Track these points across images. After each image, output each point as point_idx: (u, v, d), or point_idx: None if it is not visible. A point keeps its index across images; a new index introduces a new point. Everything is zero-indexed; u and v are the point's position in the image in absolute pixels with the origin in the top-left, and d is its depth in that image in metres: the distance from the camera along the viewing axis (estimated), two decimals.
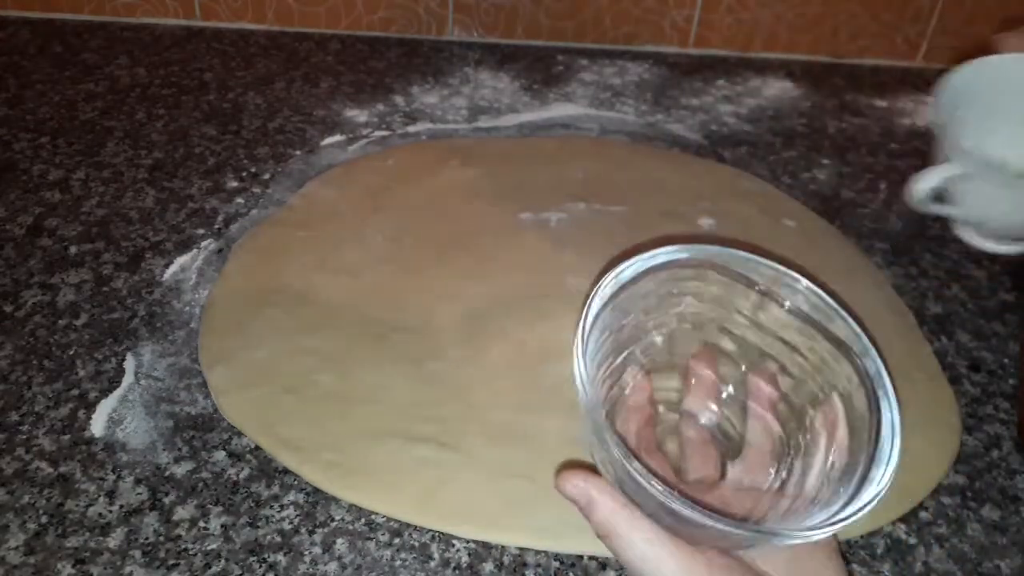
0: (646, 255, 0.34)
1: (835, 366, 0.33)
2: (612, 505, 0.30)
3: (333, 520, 0.41)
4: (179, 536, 0.39)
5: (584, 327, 0.32)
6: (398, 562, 0.39)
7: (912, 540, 0.42)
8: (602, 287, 0.33)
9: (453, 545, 0.40)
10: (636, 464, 0.27)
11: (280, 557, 0.39)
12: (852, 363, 0.32)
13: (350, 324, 0.51)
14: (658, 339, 0.37)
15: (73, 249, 0.56)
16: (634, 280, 0.34)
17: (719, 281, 0.35)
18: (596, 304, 0.32)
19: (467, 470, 0.42)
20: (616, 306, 0.33)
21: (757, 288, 0.35)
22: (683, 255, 0.34)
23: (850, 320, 0.33)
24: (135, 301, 0.52)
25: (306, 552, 0.39)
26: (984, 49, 0.56)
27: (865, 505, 0.28)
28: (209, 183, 0.63)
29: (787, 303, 0.35)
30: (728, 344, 0.37)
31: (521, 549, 0.40)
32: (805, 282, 0.34)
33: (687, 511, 0.27)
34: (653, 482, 0.27)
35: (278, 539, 0.39)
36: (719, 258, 0.35)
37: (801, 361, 0.35)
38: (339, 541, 0.40)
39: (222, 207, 0.61)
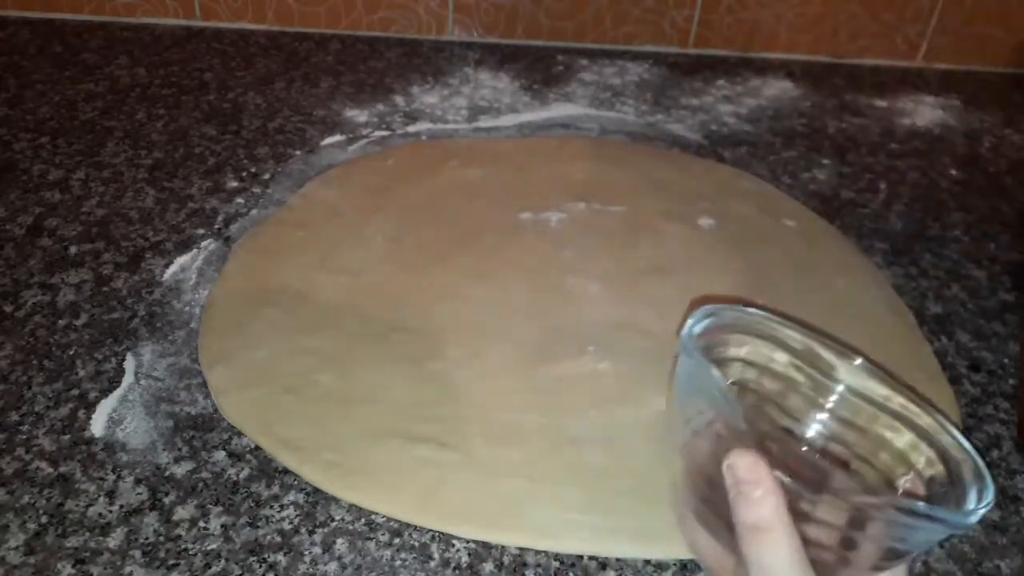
0: (736, 308, 0.35)
1: (901, 441, 0.34)
2: (781, 501, 0.28)
3: (333, 520, 0.41)
4: (179, 536, 0.39)
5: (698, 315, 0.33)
6: (398, 562, 0.39)
7: None
8: (701, 314, 0.34)
9: (453, 545, 0.40)
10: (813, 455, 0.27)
11: (280, 557, 0.39)
12: (924, 438, 0.33)
13: (350, 324, 0.51)
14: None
15: (73, 249, 0.56)
16: (722, 325, 0.34)
17: (777, 355, 0.36)
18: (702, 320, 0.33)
19: (467, 470, 0.42)
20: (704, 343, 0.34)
21: (819, 368, 0.36)
22: (770, 323, 0.35)
23: (911, 396, 0.34)
24: (135, 301, 0.52)
25: (306, 552, 0.39)
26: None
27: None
28: (209, 183, 0.63)
29: (844, 384, 0.36)
30: (789, 423, 0.37)
31: (521, 549, 0.40)
32: (860, 360, 0.35)
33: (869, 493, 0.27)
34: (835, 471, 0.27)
35: (278, 539, 0.39)
36: (776, 330, 0.36)
37: (866, 441, 0.35)
38: (339, 541, 0.40)
39: (222, 207, 0.61)
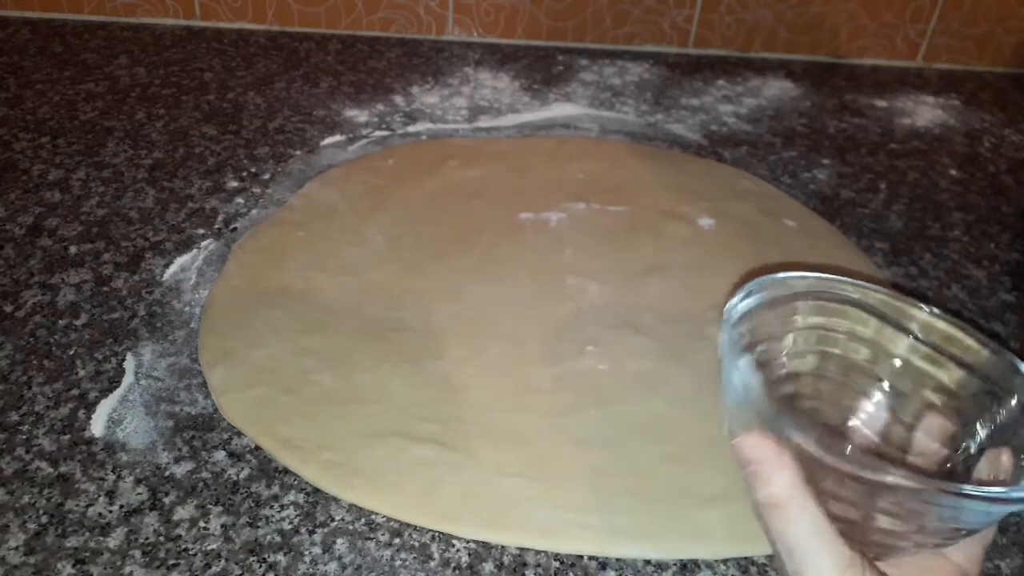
0: (802, 274, 0.34)
1: (987, 400, 0.33)
2: (794, 476, 0.28)
3: (333, 520, 0.41)
4: (179, 536, 0.39)
5: (736, 300, 0.32)
6: (398, 562, 0.39)
7: None
8: (755, 285, 0.33)
9: (453, 545, 0.40)
10: (822, 438, 0.27)
11: (280, 557, 0.39)
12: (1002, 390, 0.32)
13: (350, 324, 0.51)
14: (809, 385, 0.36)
15: (73, 249, 0.56)
16: (791, 295, 0.34)
17: (870, 322, 0.35)
18: (749, 297, 0.32)
19: (467, 470, 0.42)
20: (765, 315, 0.33)
21: (911, 332, 0.35)
22: (846, 289, 0.34)
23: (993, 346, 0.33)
24: (135, 301, 0.52)
25: (306, 552, 0.39)
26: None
27: None
28: (209, 183, 0.63)
29: (931, 341, 0.35)
30: (882, 395, 0.36)
31: (521, 549, 0.40)
32: (944, 320, 0.34)
33: (874, 470, 0.26)
34: (849, 447, 0.26)
35: (278, 539, 0.39)
36: (869, 296, 0.35)
37: (956, 401, 0.34)
38: (339, 541, 0.40)
39: (222, 207, 0.61)
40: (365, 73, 0.80)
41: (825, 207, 0.66)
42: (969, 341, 0.34)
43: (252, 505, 0.41)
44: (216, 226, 0.59)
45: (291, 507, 0.41)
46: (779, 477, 0.28)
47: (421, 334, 0.50)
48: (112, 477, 0.41)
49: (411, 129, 0.72)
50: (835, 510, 0.28)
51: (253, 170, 0.65)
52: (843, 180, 0.70)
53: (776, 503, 0.28)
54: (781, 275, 0.34)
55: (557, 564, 0.39)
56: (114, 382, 0.47)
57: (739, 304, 0.33)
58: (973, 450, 0.32)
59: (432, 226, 0.59)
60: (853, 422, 0.36)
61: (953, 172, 0.72)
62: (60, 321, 0.50)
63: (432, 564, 0.39)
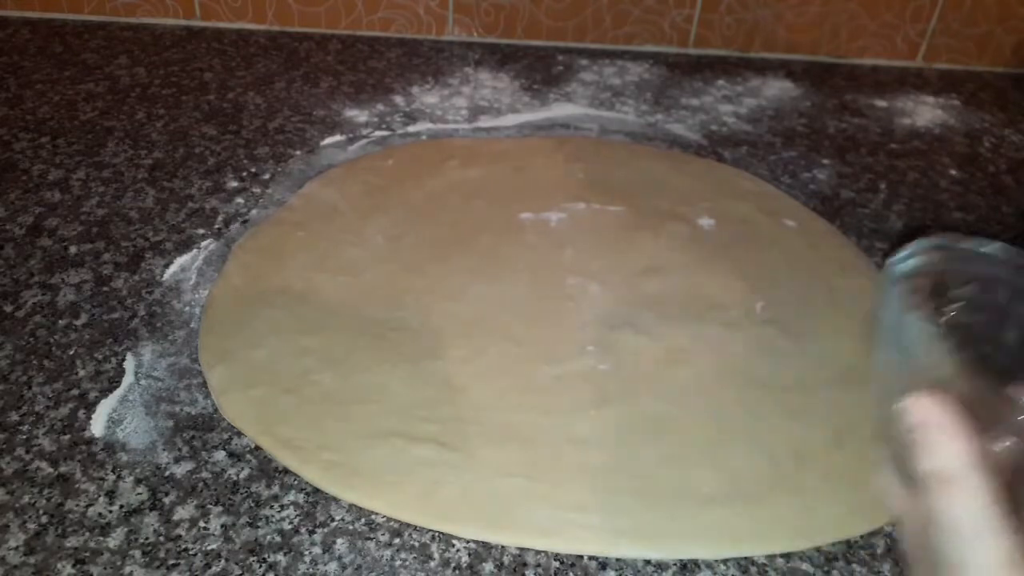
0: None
1: None
2: (968, 448, 0.25)
3: (333, 520, 0.41)
4: (179, 536, 0.39)
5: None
6: (398, 562, 0.39)
7: None
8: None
9: (453, 545, 0.40)
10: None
11: (280, 557, 0.39)
12: None
13: (350, 324, 0.51)
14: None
15: (73, 249, 0.56)
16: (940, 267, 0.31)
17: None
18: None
19: (467, 470, 0.42)
20: (919, 282, 0.30)
21: None
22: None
23: None
24: (135, 301, 0.52)
25: (306, 552, 0.39)
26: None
27: None
28: (209, 183, 0.63)
29: None
30: None
31: (521, 549, 0.40)
32: None
33: None
34: None
35: (278, 539, 0.39)
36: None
37: None
38: (339, 541, 0.40)
39: (222, 207, 0.61)
40: (365, 73, 0.80)
41: (825, 207, 0.66)
42: None
43: (252, 505, 0.41)
44: (216, 226, 0.59)
45: (291, 507, 0.41)
46: (952, 449, 0.25)
47: (421, 334, 0.50)
48: (112, 477, 0.41)
49: (411, 129, 0.72)
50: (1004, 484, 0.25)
51: (253, 170, 0.65)
52: (843, 180, 0.70)
53: (946, 477, 0.25)
54: (946, 240, 0.31)
55: (557, 564, 0.39)
56: (114, 382, 0.47)
57: (906, 262, 0.30)
58: None
59: (432, 226, 0.59)
60: None
61: (953, 172, 0.72)
62: (60, 321, 0.50)
63: (432, 564, 0.39)
